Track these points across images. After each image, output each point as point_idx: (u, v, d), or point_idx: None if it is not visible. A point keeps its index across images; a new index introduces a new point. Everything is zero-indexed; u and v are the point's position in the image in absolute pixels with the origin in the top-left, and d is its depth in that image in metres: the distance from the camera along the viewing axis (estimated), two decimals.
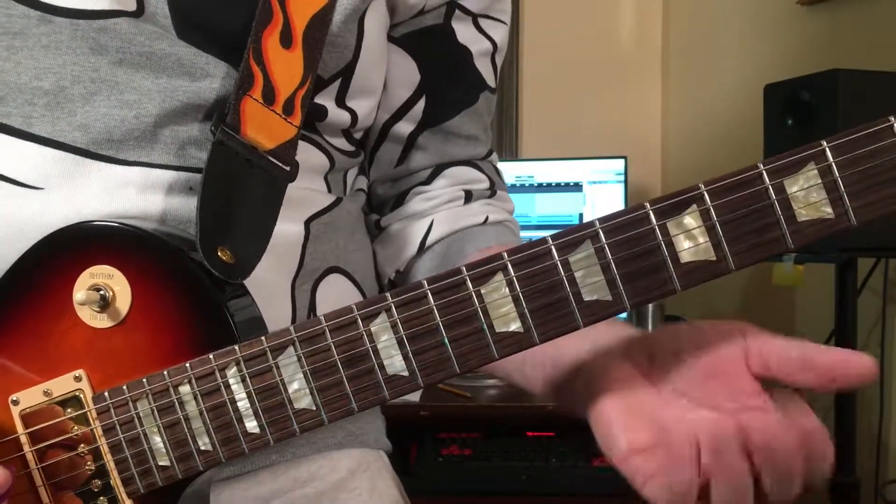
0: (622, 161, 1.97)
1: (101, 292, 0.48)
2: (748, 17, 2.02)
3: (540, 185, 2.00)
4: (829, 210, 0.39)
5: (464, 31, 0.66)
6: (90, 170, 0.52)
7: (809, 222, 0.39)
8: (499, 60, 0.70)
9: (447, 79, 0.67)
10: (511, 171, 2.00)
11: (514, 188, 1.99)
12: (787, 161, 0.40)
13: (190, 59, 0.53)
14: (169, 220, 0.52)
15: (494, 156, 0.73)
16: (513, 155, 2.34)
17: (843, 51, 1.69)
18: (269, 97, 0.53)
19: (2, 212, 0.51)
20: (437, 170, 0.69)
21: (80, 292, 0.47)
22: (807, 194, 0.39)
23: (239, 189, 0.52)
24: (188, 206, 0.53)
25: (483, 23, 0.67)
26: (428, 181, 0.69)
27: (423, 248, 0.67)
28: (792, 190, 0.39)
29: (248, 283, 0.52)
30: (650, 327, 1.71)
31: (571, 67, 2.34)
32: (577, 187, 1.98)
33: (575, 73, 2.34)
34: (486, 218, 0.68)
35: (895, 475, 1.60)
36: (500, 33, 0.69)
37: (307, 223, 0.60)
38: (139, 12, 0.52)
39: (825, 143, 0.39)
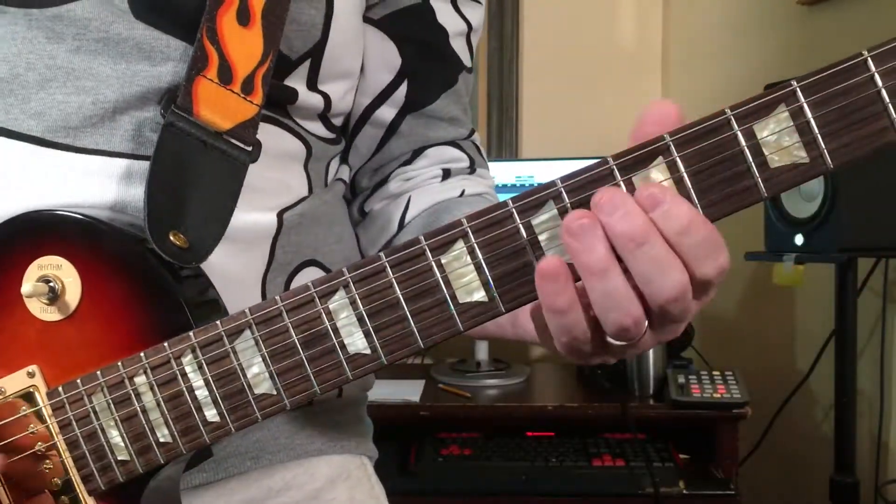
0: None
1: (51, 284, 0.46)
2: (748, 17, 2.02)
3: (540, 185, 1.99)
4: (804, 154, 0.37)
5: (443, 11, 0.65)
6: (46, 159, 0.50)
7: (783, 168, 0.37)
8: (474, 40, 0.69)
9: (428, 61, 0.66)
10: (511, 171, 2.00)
11: (514, 188, 1.99)
12: (755, 104, 0.37)
13: (149, 42, 0.51)
14: (130, 208, 0.51)
15: (476, 135, 0.72)
16: (513, 155, 2.34)
17: (843, 51, 1.68)
18: (225, 76, 0.51)
19: None
20: (418, 151, 0.67)
21: (27, 284, 0.46)
22: (778, 138, 0.37)
23: (192, 171, 0.50)
24: None
25: (462, 3, 0.66)
26: (409, 161, 0.68)
27: (401, 226, 0.66)
28: (762, 135, 0.37)
29: (213, 275, 0.50)
30: None
31: (571, 68, 2.34)
32: None
33: (575, 74, 2.34)
34: (463, 191, 0.66)
35: (895, 475, 1.60)
36: (476, 15, 0.68)
37: (280, 214, 0.58)
38: None
39: (795, 83, 0.37)
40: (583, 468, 1.58)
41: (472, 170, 0.69)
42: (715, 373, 1.64)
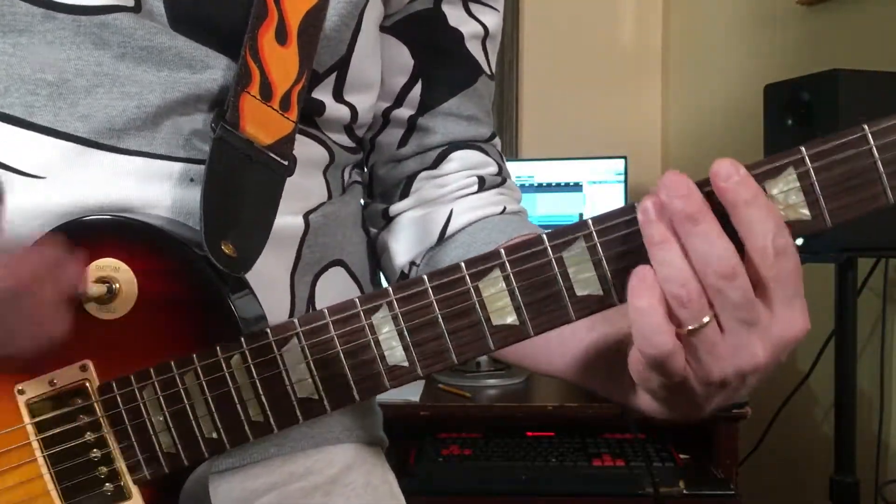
0: (622, 161, 1.97)
1: (108, 284, 0.48)
2: (748, 17, 2.02)
3: (540, 185, 1.99)
4: (807, 212, 0.42)
5: (454, 15, 0.67)
6: (92, 159, 0.52)
7: (789, 223, 0.42)
8: (491, 47, 0.70)
9: (440, 61, 0.67)
10: (511, 171, 1.99)
11: None
12: (769, 167, 0.42)
13: (189, 52, 0.54)
14: (170, 209, 0.53)
15: (497, 140, 0.73)
16: (513, 155, 2.34)
17: (843, 51, 1.69)
18: (266, 93, 0.54)
19: (6, 200, 0.51)
20: (443, 153, 0.69)
21: (87, 284, 0.48)
22: (786, 196, 0.42)
23: (239, 184, 0.53)
24: (189, 196, 0.54)
25: (474, 7, 0.68)
26: (434, 165, 0.68)
27: (443, 237, 0.67)
28: (773, 192, 0.42)
29: (246, 276, 0.52)
30: None
31: (571, 67, 2.34)
32: (577, 187, 1.98)
33: (575, 73, 2.34)
34: (504, 208, 0.68)
35: (895, 475, 1.60)
36: (492, 19, 0.69)
37: (306, 216, 0.61)
38: (137, 8, 0.53)
39: (804, 150, 0.42)
40: (583, 468, 1.58)
41: (502, 179, 0.71)
42: None
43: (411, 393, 1.68)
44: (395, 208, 0.70)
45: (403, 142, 0.69)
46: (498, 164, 0.71)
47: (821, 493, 1.55)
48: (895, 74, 1.41)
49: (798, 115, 1.46)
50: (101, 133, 0.52)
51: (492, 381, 1.81)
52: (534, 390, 1.81)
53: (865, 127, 0.41)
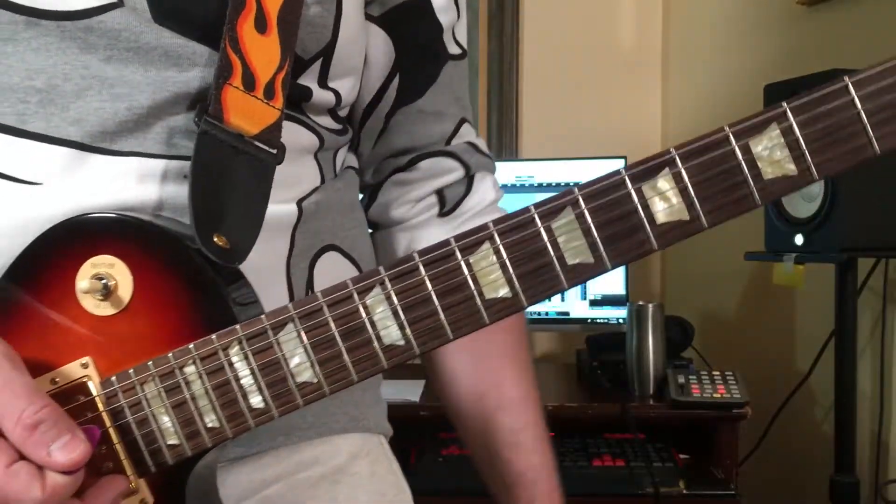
0: (622, 161, 1.97)
1: (104, 281, 0.49)
2: (748, 17, 2.02)
3: (540, 185, 1.99)
4: (793, 167, 0.42)
5: (440, 2, 0.67)
6: (87, 163, 0.53)
7: (775, 179, 0.42)
8: (460, 27, 0.71)
9: (419, 56, 0.68)
10: (511, 171, 2.00)
11: (514, 188, 1.99)
12: (751, 123, 0.42)
13: (175, 49, 0.54)
14: (166, 207, 0.53)
15: (466, 127, 0.73)
16: (513, 155, 2.34)
17: (843, 51, 1.69)
18: (249, 83, 0.54)
19: (3, 208, 0.52)
20: (413, 161, 0.70)
21: (82, 281, 0.49)
22: (771, 153, 0.42)
23: (228, 176, 0.53)
24: (184, 193, 0.54)
25: None
26: (405, 168, 0.70)
27: None
28: (757, 149, 0.42)
29: (242, 266, 0.53)
30: (650, 328, 1.71)
31: (571, 67, 2.34)
32: None
33: (575, 74, 2.34)
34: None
35: (895, 475, 1.60)
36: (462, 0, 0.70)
37: (299, 203, 0.61)
38: (120, 2, 0.53)
39: (786, 105, 0.42)
40: (583, 468, 1.58)
41: (468, 180, 0.71)
42: (715, 373, 1.64)
43: (411, 393, 1.68)
44: (370, 213, 0.73)
45: (377, 140, 0.70)
46: (464, 163, 0.71)
47: (821, 493, 1.55)
48: None
49: None
50: (94, 136, 0.53)
51: None
52: None
53: (846, 78, 0.41)
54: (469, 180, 0.72)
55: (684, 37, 2.30)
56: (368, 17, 0.65)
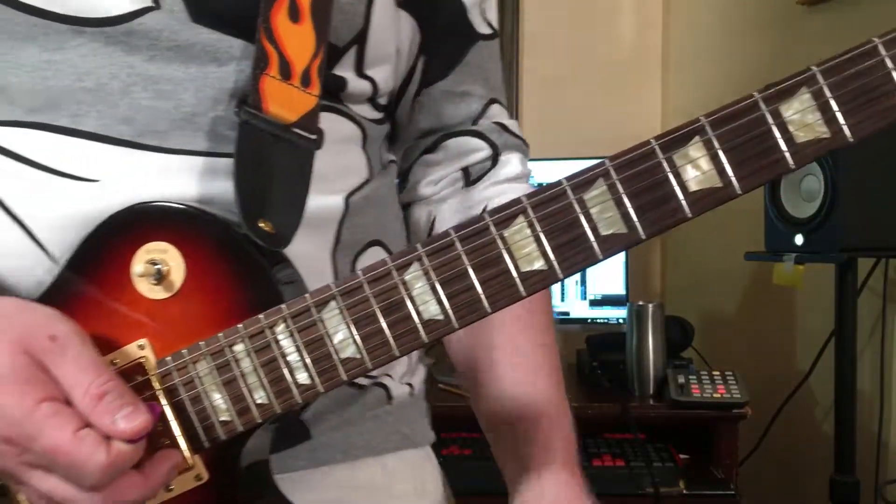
0: None
1: (157, 266, 0.51)
2: (748, 17, 2.02)
3: (540, 185, 1.99)
4: (825, 129, 0.42)
5: None
6: (141, 160, 0.55)
7: (808, 143, 0.42)
8: (489, 6, 0.71)
9: (443, 36, 0.69)
10: None
11: None
12: (780, 87, 0.42)
13: (212, 44, 0.55)
14: (215, 203, 0.55)
15: (496, 107, 0.73)
16: None
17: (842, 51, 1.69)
18: (285, 72, 0.56)
19: (64, 205, 0.54)
20: (439, 140, 0.71)
21: (137, 265, 0.52)
22: (802, 117, 0.42)
23: (270, 163, 0.55)
24: (229, 186, 0.56)
25: None
26: (432, 149, 0.71)
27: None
28: (787, 114, 0.42)
29: (290, 256, 0.55)
30: (650, 328, 1.71)
31: (571, 68, 2.34)
32: None
33: (575, 74, 2.34)
34: (485, 207, 0.70)
35: (895, 475, 1.60)
36: None
37: (347, 198, 0.63)
38: (157, 5, 0.55)
39: (815, 68, 0.42)
40: (583, 468, 1.58)
41: (494, 158, 0.71)
42: (715, 373, 1.64)
43: None
44: (401, 197, 0.73)
45: (406, 124, 0.71)
46: (492, 143, 0.71)
47: (821, 493, 1.55)
48: None
49: None
50: (144, 135, 0.55)
51: None
52: None
53: (875, 39, 0.41)
54: (495, 158, 0.72)
55: (684, 37, 2.30)
56: (397, 3, 0.66)
